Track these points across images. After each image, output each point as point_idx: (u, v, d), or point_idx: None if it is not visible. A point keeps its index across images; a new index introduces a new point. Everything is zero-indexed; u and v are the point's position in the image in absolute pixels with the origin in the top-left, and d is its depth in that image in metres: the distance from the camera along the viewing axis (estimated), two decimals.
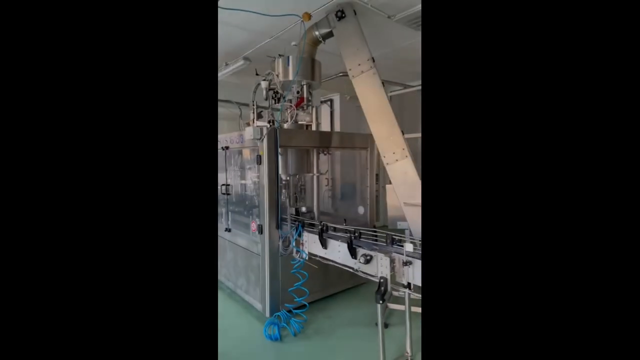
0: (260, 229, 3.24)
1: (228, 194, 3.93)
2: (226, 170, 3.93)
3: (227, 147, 3.82)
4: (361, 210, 4.17)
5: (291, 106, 3.57)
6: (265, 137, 3.13)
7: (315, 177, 3.76)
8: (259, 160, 3.21)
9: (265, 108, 3.82)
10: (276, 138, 3.19)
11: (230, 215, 4.06)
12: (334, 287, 3.79)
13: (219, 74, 4.92)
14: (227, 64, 4.67)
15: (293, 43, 4.63)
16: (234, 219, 4.00)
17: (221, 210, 4.26)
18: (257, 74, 3.80)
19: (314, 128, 3.70)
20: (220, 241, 4.10)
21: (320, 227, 2.88)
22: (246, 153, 3.86)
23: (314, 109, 3.73)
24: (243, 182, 3.87)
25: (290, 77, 3.59)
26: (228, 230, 3.87)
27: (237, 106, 7.37)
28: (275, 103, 3.72)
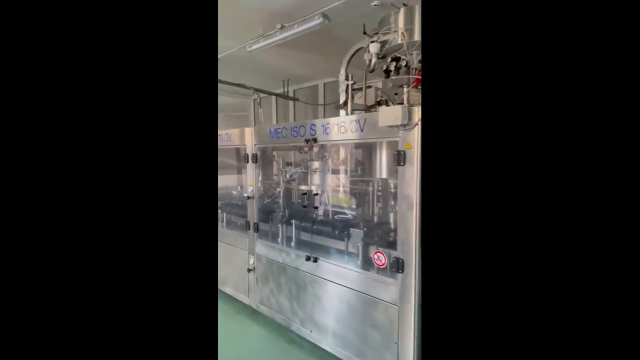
0: (400, 266, 2.10)
1: (315, 208, 2.71)
2: (309, 172, 2.71)
3: (314, 140, 2.59)
4: None
5: (417, 79, 2.44)
6: (419, 123, 1.99)
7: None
8: (400, 158, 2.06)
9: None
10: None
11: (303, 236, 2.86)
12: None
13: (264, 42, 3.65)
14: (283, 26, 3.42)
15: (374, 3, 3.49)
16: (316, 242, 2.80)
17: (286, 228, 3.02)
18: (365, 33, 2.62)
19: None
20: (291, 272, 2.87)
21: None
22: (338, 147, 2.68)
23: None
24: (339, 188, 2.67)
25: (417, 37, 2.47)
26: (313, 259, 2.65)
27: (252, 91, 6.03)
28: (391, 75, 2.55)
